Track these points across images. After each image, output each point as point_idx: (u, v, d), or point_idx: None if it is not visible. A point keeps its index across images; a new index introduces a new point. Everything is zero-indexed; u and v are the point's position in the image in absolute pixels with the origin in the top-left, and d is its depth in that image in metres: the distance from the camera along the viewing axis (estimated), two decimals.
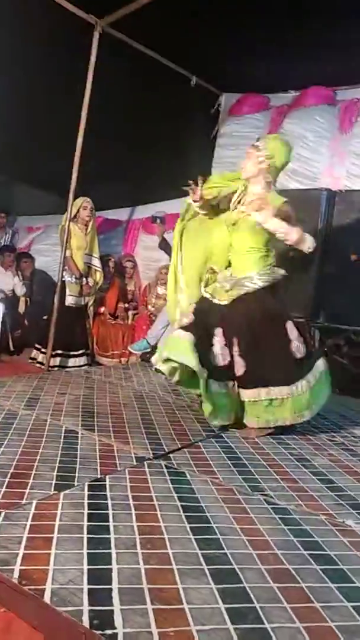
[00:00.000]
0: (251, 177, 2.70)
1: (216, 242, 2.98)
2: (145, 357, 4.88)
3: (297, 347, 2.69)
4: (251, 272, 2.73)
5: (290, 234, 2.59)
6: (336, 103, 4.80)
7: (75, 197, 4.35)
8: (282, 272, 2.77)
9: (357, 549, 1.64)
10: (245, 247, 2.74)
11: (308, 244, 2.63)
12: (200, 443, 2.58)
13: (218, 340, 2.69)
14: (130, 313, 5.44)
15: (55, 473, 2.02)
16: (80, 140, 4.05)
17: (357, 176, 4.49)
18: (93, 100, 4.02)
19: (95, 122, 4.09)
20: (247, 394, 2.70)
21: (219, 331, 2.70)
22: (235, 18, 3.91)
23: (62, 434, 2.51)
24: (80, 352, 4.69)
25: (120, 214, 6.01)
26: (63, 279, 4.48)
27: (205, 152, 5.36)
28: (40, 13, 3.65)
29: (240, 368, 2.69)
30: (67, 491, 1.87)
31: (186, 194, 2.93)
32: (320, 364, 2.77)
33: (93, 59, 3.96)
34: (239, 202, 2.78)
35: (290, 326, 2.72)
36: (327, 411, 3.52)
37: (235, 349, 2.69)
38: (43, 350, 4.56)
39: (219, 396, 2.66)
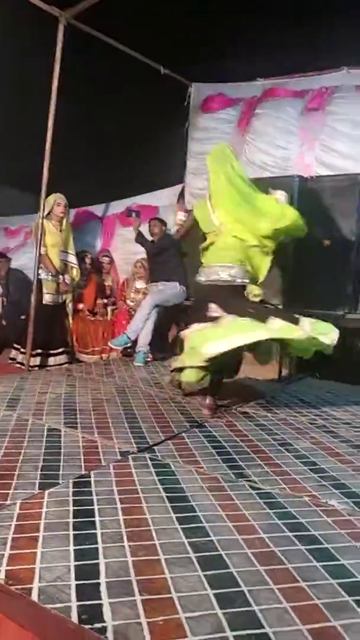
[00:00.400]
0: None
1: None
2: (126, 352, 4.87)
3: None
4: None
5: None
6: (304, 94, 4.82)
7: (47, 195, 4.29)
8: None
9: (340, 527, 1.68)
10: None
11: None
12: (183, 434, 2.59)
13: None
14: (109, 309, 5.41)
15: (39, 472, 2.01)
16: (49, 135, 3.99)
17: (326, 163, 4.53)
18: (61, 95, 3.95)
19: (64, 117, 4.03)
20: None
21: None
22: (201, 7, 3.89)
23: (45, 433, 2.50)
24: (60, 350, 4.65)
25: (95, 210, 5.94)
26: (39, 277, 4.43)
27: (179, 144, 5.35)
28: (2, 6, 3.58)
29: None
30: (51, 489, 1.86)
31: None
32: None
33: (59, 52, 3.89)
34: None
35: None
36: (307, 395, 3.59)
37: None
38: (22, 350, 4.50)
39: None
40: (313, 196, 4.15)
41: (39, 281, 4.43)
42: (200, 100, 5.37)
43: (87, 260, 5.30)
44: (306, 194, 4.17)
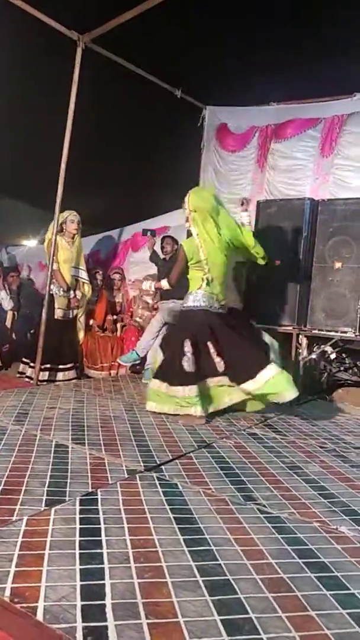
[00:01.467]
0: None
1: None
2: (135, 369, 4.86)
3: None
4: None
5: None
6: (317, 122, 4.90)
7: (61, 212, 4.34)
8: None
9: (351, 555, 1.64)
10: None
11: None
12: (191, 454, 2.57)
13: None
14: (118, 325, 5.42)
15: (45, 488, 2.00)
16: (65, 155, 4.06)
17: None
18: (77, 116, 4.03)
19: (81, 137, 4.10)
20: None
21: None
22: (215, 34, 3.98)
23: (52, 449, 2.49)
24: (69, 365, 4.66)
25: (111, 232, 6.03)
26: (51, 292, 4.46)
27: (193, 165, 5.44)
28: (24, 30, 3.69)
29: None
30: (58, 506, 1.85)
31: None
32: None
33: (77, 74, 3.98)
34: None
35: None
36: (317, 418, 3.55)
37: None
38: (31, 364, 4.51)
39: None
40: (324, 219, 4.18)
41: (51, 296, 4.46)
42: (214, 125, 5.48)
43: (99, 277, 5.34)
44: (317, 216, 4.20)
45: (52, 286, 4.47)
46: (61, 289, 4.59)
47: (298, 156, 4.96)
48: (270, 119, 5.21)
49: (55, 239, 4.34)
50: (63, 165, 4.07)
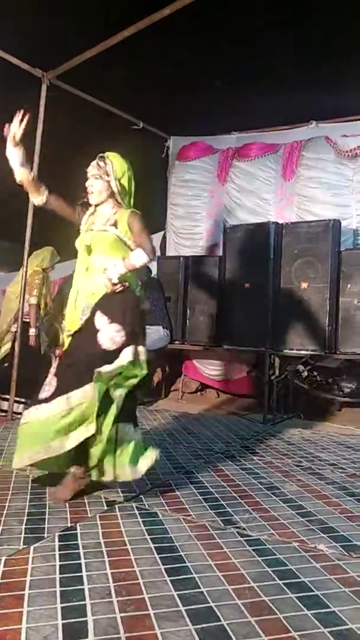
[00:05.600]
0: (101, 202, 2.44)
1: None
2: None
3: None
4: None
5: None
6: (277, 148, 5.09)
7: (30, 247, 4.33)
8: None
9: (330, 572, 1.67)
10: (103, 266, 2.33)
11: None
12: (170, 480, 2.57)
13: None
14: None
15: (23, 526, 1.97)
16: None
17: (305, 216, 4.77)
18: (43, 148, 4.09)
19: (47, 173, 4.15)
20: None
21: None
22: (177, 65, 4.12)
23: (29, 485, 2.45)
24: None
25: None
26: (26, 321, 4.46)
27: (160, 194, 5.55)
28: None
29: None
30: (37, 544, 1.82)
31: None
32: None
33: (42, 110, 4.05)
34: (88, 225, 2.47)
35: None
36: (292, 436, 3.60)
37: None
38: (5, 397, 4.45)
39: None
40: (288, 241, 4.32)
41: (23, 328, 4.43)
42: (177, 151, 5.61)
43: None
44: (282, 239, 4.34)
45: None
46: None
47: (261, 176, 5.05)
48: (232, 145, 5.38)
49: (44, 276, 4.43)
50: (31, 203, 4.09)
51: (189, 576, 1.62)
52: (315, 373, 4.48)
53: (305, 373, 4.43)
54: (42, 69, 4.07)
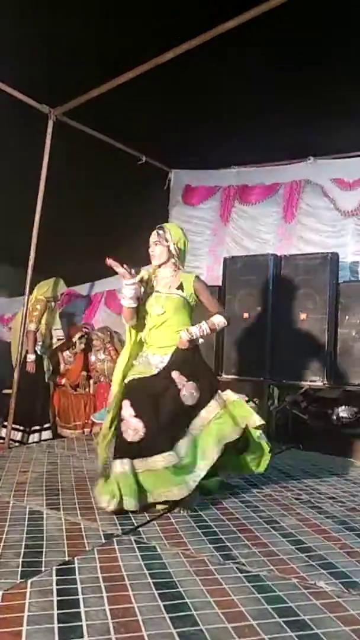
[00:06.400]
0: (162, 264, 2.87)
1: None
2: None
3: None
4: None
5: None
6: (277, 187, 5.25)
7: (33, 273, 4.40)
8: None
9: (329, 610, 1.66)
10: (176, 326, 2.78)
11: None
12: (169, 513, 2.55)
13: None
14: (91, 381, 5.38)
15: (21, 559, 1.95)
16: (37, 220, 4.18)
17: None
18: (49, 184, 4.20)
19: (53, 204, 4.25)
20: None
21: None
22: (178, 102, 4.27)
23: (27, 516, 2.44)
24: (44, 426, 4.59)
25: (80, 289, 6.12)
26: (39, 354, 4.54)
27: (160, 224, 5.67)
28: None
29: None
30: (34, 578, 1.80)
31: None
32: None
33: (48, 145, 4.18)
34: (152, 287, 2.90)
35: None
36: (292, 468, 3.59)
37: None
38: (4, 424, 4.43)
39: None
40: (287, 273, 4.39)
41: (24, 356, 4.46)
42: (180, 187, 5.79)
43: (79, 335, 5.31)
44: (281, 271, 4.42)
45: (36, 347, 4.52)
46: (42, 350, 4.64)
47: (262, 219, 5.28)
48: (232, 180, 5.53)
49: (46, 305, 4.56)
50: (35, 231, 4.18)
51: (188, 613, 1.61)
52: (314, 404, 4.48)
53: (305, 403, 4.43)
54: (49, 105, 4.20)
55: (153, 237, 2.86)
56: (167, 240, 2.82)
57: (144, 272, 2.95)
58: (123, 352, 2.99)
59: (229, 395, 2.76)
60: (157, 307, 2.81)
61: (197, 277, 2.88)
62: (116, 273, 2.78)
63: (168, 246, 2.82)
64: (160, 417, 2.61)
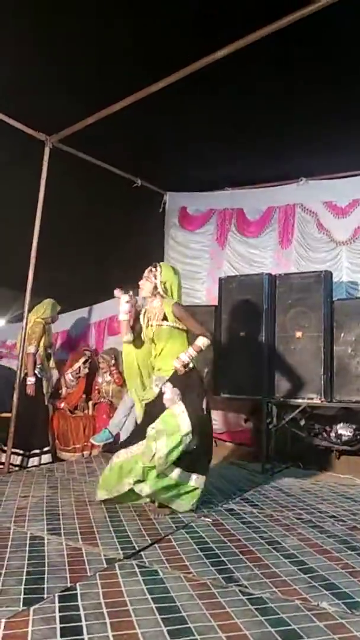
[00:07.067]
0: (148, 297, 3.19)
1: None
2: (108, 448, 4.80)
3: None
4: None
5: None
6: (272, 213, 5.37)
7: (32, 296, 4.44)
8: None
9: (333, 632, 1.66)
10: (172, 352, 3.05)
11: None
12: (170, 536, 2.55)
13: None
14: (90, 403, 5.38)
15: (22, 586, 1.94)
16: (34, 244, 4.24)
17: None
18: (46, 206, 4.27)
19: (50, 225, 4.32)
20: None
21: None
22: (172, 125, 4.37)
23: (28, 542, 2.42)
24: (43, 449, 4.57)
25: (82, 312, 6.17)
26: (39, 376, 4.55)
27: (156, 246, 5.75)
28: None
29: None
30: (36, 605, 1.80)
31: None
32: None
33: (45, 171, 4.26)
34: (147, 319, 3.20)
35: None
36: (292, 487, 3.58)
37: None
38: (3, 448, 4.41)
39: None
40: (282, 291, 4.45)
41: (24, 379, 4.47)
42: (176, 209, 5.88)
43: (85, 364, 5.32)
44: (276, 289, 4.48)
45: (36, 370, 4.54)
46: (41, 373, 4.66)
47: (259, 247, 5.42)
48: (227, 202, 5.63)
49: (44, 327, 4.59)
50: (33, 254, 4.23)
51: (191, 638, 1.61)
52: (312, 421, 4.48)
53: (303, 421, 4.43)
54: (46, 133, 4.30)
55: (145, 272, 3.18)
56: (155, 278, 3.13)
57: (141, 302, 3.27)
58: (126, 367, 3.37)
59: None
60: (153, 337, 3.13)
61: (175, 304, 3.09)
62: (113, 296, 2.96)
63: (155, 283, 3.13)
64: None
